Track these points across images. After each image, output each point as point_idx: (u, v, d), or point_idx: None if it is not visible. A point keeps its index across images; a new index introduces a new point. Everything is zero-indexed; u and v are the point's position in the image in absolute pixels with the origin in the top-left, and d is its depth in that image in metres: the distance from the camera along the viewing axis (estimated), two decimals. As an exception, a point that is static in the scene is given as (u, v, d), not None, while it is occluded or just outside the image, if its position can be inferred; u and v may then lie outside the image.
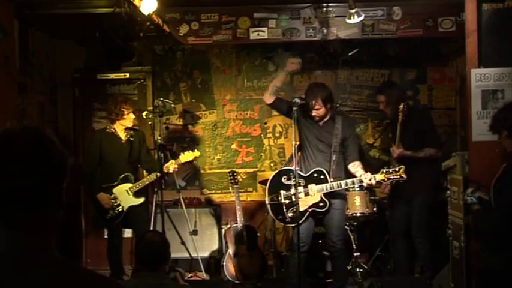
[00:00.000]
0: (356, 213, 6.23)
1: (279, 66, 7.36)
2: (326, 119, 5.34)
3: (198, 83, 7.46)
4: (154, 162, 6.20)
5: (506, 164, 3.71)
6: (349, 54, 7.04)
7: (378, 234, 6.48)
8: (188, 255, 6.55)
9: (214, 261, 6.69)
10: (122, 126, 6.00)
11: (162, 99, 6.67)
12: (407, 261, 5.92)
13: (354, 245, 6.14)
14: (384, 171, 5.20)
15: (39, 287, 1.40)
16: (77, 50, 7.19)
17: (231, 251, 6.29)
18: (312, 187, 5.26)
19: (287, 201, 5.32)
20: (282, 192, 5.36)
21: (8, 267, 1.41)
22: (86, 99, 7.39)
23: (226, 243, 6.39)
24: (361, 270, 6.26)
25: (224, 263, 6.26)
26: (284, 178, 5.41)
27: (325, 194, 5.26)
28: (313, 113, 5.22)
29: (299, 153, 5.42)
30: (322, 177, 5.27)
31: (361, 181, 5.25)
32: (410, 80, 7.26)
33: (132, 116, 5.98)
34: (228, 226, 6.48)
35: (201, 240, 6.73)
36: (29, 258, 1.43)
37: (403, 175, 5.09)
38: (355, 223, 6.29)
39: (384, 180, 5.22)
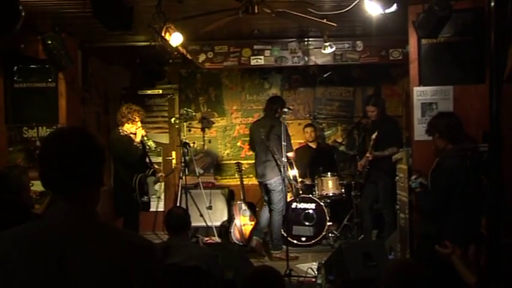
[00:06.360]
0: (329, 193, 6.23)
1: (272, 84, 7.37)
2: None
3: (212, 97, 7.44)
4: None
5: (438, 158, 3.72)
6: (324, 75, 7.09)
7: (345, 209, 6.44)
8: (205, 224, 6.54)
9: (224, 229, 6.66)
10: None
11: (186, 109, 6.68)
12: (370, 229, 5.90)
13: (327, 217, 6.11)
14: None
15: (92, 245, 1.38)
16: (123, 72, 7.19)
17: (236, 221, 6.28)
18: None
19: None
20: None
21: (67, 230, 1.39)
22: (130, 110, 7.35)
23: (233, 215, 6.38)
24: (332, 235, 6.25)
25: (232, 230, 6.26)
26: None
27: None
28: None
29: None
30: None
31: None
32: (369, 95, 7.23)
33: (140, 126, 5.05)
34: (235, 202, 6.46)
35: (214, 213, 6.69)
36: (83, 223, 1.41)
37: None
38: (328, 200, 6.27)
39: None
